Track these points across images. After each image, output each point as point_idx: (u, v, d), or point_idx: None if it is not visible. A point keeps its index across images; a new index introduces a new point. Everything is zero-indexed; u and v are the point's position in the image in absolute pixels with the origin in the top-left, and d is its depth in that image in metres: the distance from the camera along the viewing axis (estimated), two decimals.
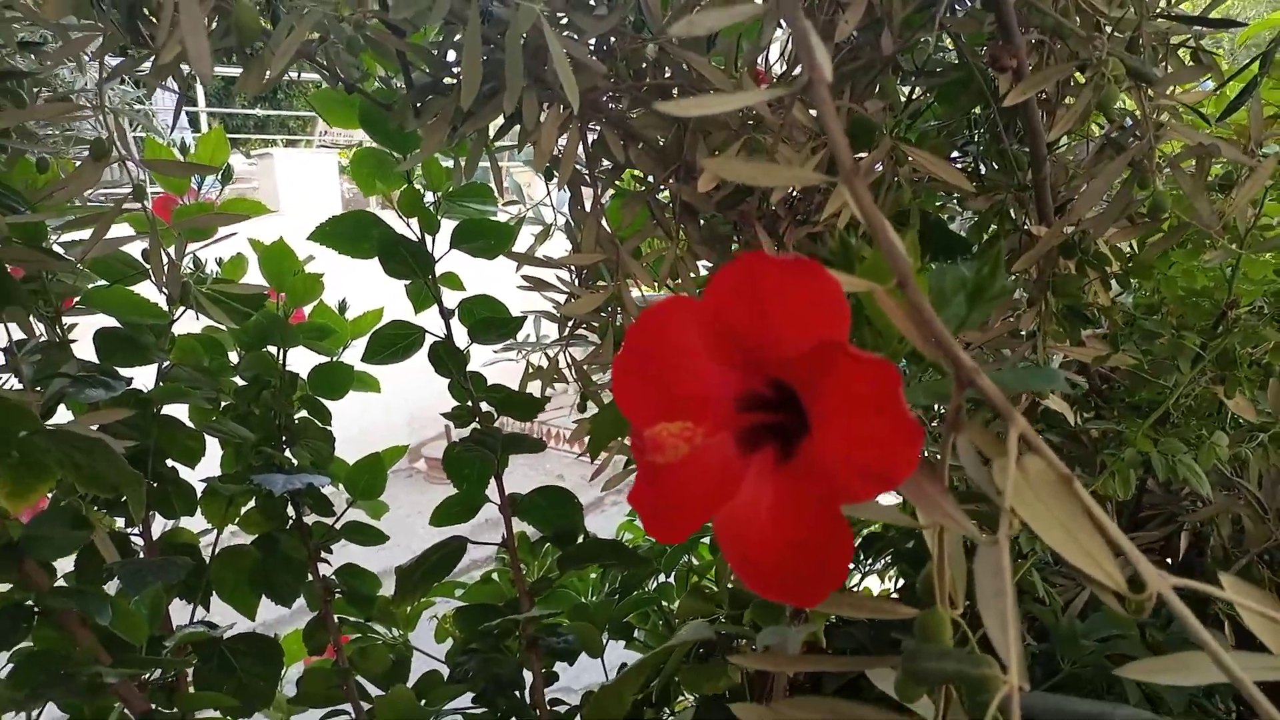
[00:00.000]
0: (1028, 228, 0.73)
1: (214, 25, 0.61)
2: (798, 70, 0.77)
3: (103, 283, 0.85)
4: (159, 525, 0.93)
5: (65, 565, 0.83)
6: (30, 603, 0.60)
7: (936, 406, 0.91)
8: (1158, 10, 0.65)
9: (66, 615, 0.61)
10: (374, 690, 0.91)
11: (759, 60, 0.78)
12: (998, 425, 0.33)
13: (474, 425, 0.86)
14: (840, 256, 0.35)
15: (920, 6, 0.63)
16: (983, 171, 0.80)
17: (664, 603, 1.20)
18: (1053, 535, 0.27)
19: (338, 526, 0.93)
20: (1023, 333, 0.76)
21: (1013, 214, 0.75)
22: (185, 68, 0.73)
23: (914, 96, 0.83)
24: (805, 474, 0.29)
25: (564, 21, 0.72)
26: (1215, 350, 0.69)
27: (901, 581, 1.13)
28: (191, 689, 0.81)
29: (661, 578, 1.21)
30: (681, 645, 0.55)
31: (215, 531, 0.93)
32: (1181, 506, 0.95)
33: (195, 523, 0.95)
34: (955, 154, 0.88)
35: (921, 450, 0.27)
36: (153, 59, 0.59)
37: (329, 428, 0.97)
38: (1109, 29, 0.64)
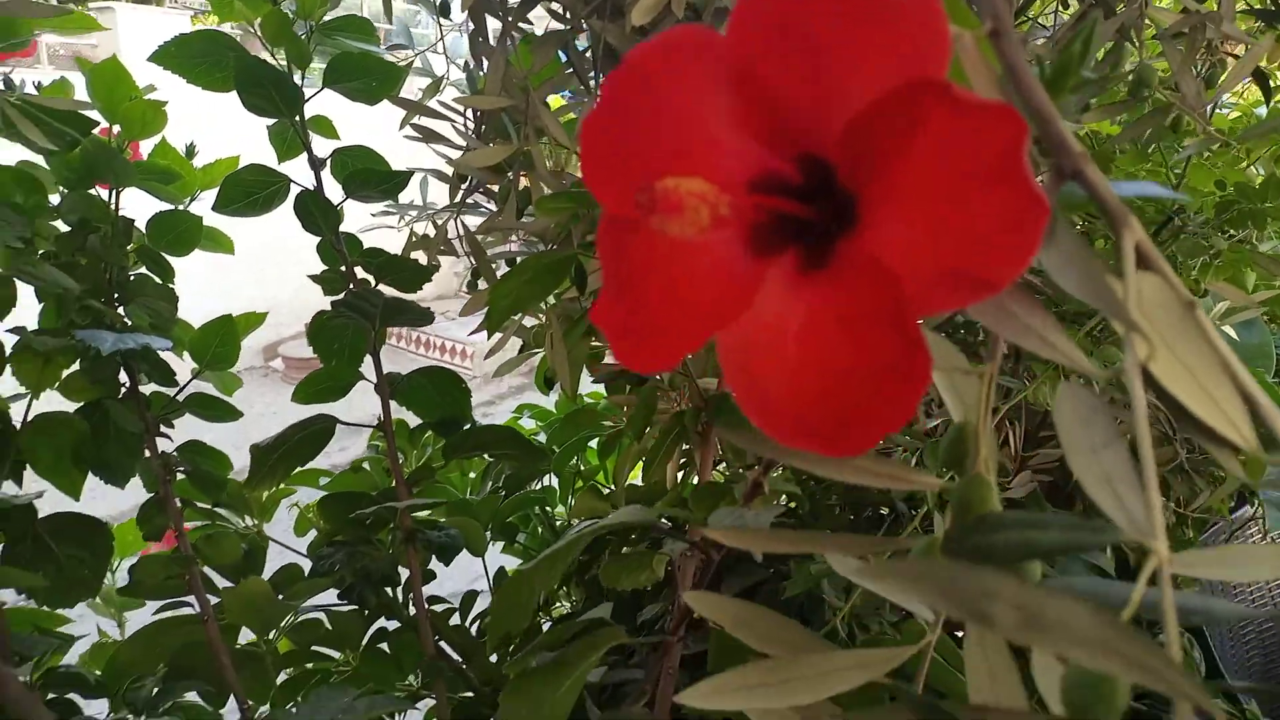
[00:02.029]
0: None
1: None
2: None
3: None
4: None
5: None
6: None
7: None
8: None
9: None
10: (222, 583, 0.80)
11: None
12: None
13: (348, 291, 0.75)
14: None
15: None
16: None
17: (548, 507, 1.13)
18: (1168, 372, 0.21)
19: (181, 398, 0.80)
20: None
21: None
22: None
23: None
24: (852, 282, 0.21)
25: None
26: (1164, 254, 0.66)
27: None
28: None
29: (547, 480, 1.14)
30: (615, 529, 0.48)
31: (29, 396, 0.79)
32: None
33: (4, 386, 0.80)
34: None
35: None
36: None
37: (171, 286, 0.83)
38: None
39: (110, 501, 0.92)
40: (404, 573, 0.77)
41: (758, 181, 0.23)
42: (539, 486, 1.14)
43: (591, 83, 0.73)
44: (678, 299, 0.23)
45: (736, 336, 0.22)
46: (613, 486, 0.89)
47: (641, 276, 0.23)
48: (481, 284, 0.84)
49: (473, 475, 1.12)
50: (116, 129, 0.85)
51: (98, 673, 0.79)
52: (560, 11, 0.72)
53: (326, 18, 0.83)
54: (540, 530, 1.12)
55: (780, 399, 0.21)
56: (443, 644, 0.76)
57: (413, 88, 1.02)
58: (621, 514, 0.43)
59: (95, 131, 0.82)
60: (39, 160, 0.82)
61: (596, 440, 1.10)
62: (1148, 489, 0.18)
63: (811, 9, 0.20)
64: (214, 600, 0.76)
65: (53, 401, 0.76)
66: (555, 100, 0.86)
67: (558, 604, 1.08)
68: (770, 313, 0.22)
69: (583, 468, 1.16)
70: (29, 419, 0.75)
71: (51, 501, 0.75)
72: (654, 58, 0.22)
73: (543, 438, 1.20)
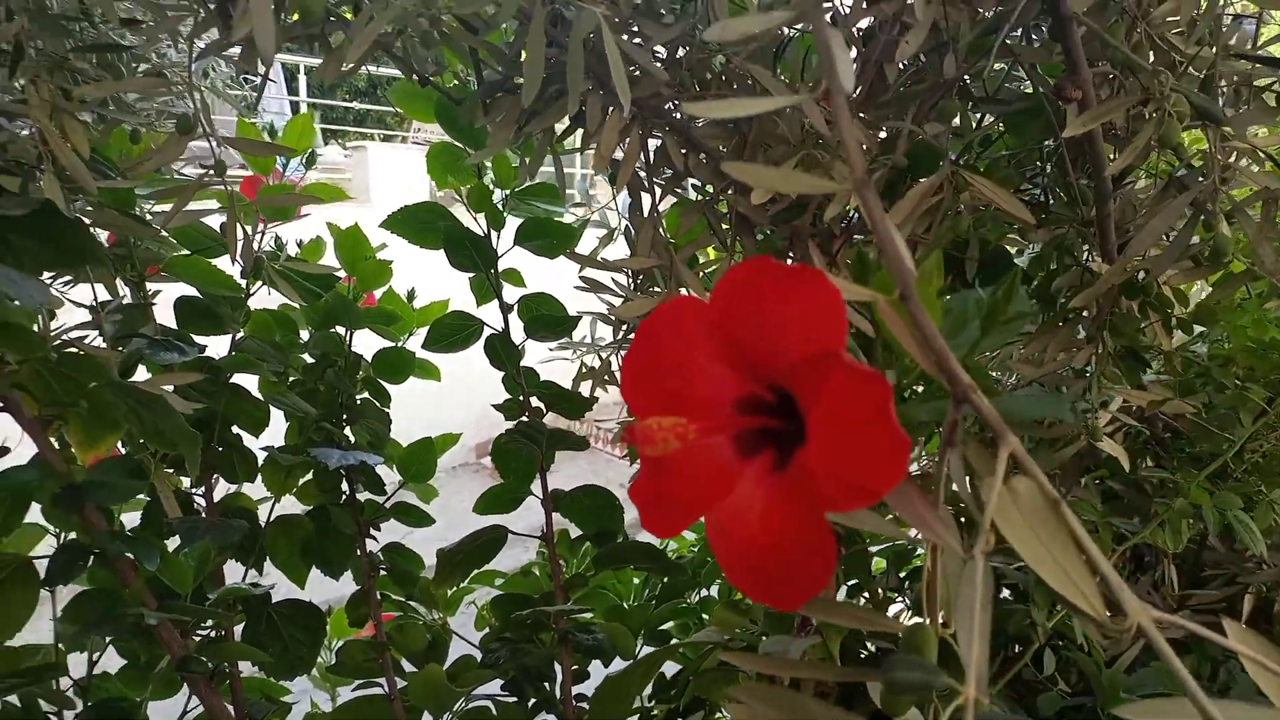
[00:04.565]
0: (1089, 264, 0.72)
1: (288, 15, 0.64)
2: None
3: (186, 252, 0.90)
4: (222, 489, 0.97)
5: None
6: (89, 544, 0.64)
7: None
8: (1236, 50, 0.64)
9: (120, 559, 0.65)
10: (409, 668, 0.94)
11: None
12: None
13: (522, 419, 0.88)
14: (856, 269, 0.36)
15: (985, 32, 0.62)
16: (1048, 203, 0.79)
17: (704, 615, 1.20)
18: (1034, 556, 0.27)
19: (388, 505, 0.96)
20: (1085, 369, 0.74)
21: (1073, 250, 0.74)
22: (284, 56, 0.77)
23: (983, 123, 0.82)
24: (796, 482, 0.29)
25: (633, 28, 0.74)
26: None
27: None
28: None
29: (705, 591, 1.22)
30: (714, 649, 0.56)
31: (273, 500, 0.97)
32: (1245, 567, 0.92)
33: (256, 490, 0.99)
34: (1025, 185, 0.87)
35: (909, 465, 0.27)
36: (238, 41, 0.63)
37: (387, 410, 1.00)
38: (1183, 65, 0.62)
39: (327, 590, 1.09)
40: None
41: (743, 401, 0.32)
42: (701, 596, 1.22)
43: (728, 242, 0.84)
44: (685, 484, 0.32)
45: (720, 513, 0.31)
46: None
47: (663, 466, 0.33)
48: None
49: (636, 582, 1.22)
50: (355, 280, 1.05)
51: None
52: (702, 185, 0.83)
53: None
54: None
55: (744, 562, 0.30)
56: None
57: (590, 238, 1.17)
58: (700, 634, 0.51)
59: (341, 279, 1.02)
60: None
61: None
62: (977, 647, 0.25)
63: (759, 295, 0.29)
64: (401, 683, 0.89)
65: (287, 505, 0.94)
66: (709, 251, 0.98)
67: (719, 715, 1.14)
68: (744, 497, 0.31)
69: None
70: (271, 519, 0.93)
71: (282, 590, 0.92)
72: (666, 318, 0.32)
73: None
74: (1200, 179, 0.59)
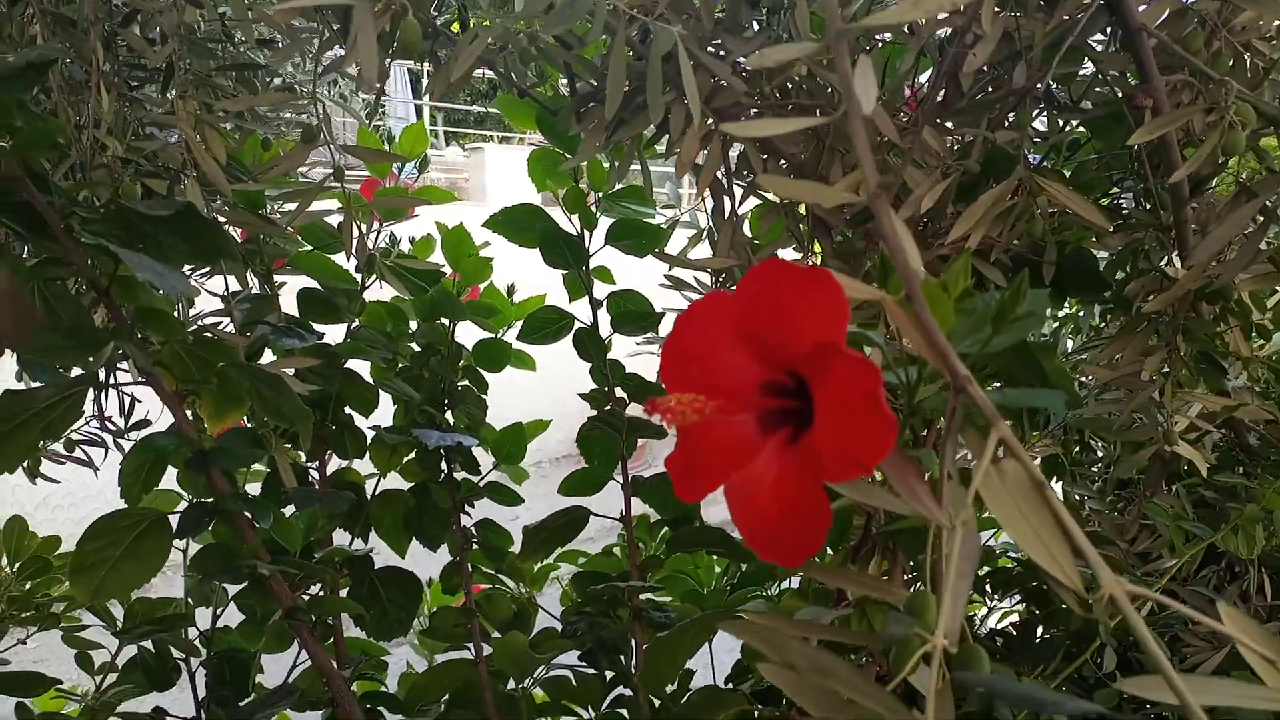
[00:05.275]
0: (1166, 268, 0.72)
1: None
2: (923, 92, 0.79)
3: (309, 248, 0.99)
4: (334, 464, 1.06)
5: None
6: (213, 503, 0.72)
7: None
8: None
9: (239, 517, 0.73)
10: (496, 636, 1.00)
11: (909, 82, 0.81)
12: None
13: (606, 408, 0.93)
14: (880, 271, 0.39)
15: (1054, 43, 0.64)
16: (1132, 208, 0.79)
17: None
18: (1018, 532, 0.30)
19: (481, 484, 1.03)
20: (1163, 373, 0.74)
21: (1149, 254, 0.74)
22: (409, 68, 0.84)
23: (1066, 127, 0.82)
24: (804, 455, 0.33)
25: (717, 40, 0.78)
26: None
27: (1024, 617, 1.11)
28: None
29: (786, 583, 1.25)
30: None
31: (379, 475, 1.05)
32: None
33: (365, 466, 1.08)
34: (1114, 189, 0.87)
35: (897, 443, 0.31)
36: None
37: (484, 396, 1.07)
38: (1264, 72, 0.62)
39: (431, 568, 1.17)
40: None
41: (766, 385, 0.36)
42: (781, 588, 1.25)
43: (806, 243, 0.87)
44: (712, 454, 0.36)
45: (739, 480, 0.35)
46: None
47: (695, 439, 0.37)
48: None
49: (718, 570, 1.26)
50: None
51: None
52: None
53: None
54: None
55: (758, 524, 0.34)
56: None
57: (681, 236, 1.22)
58: (748, 607, 0.55)
59: (446, 274, 1.10)
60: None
61: None
62: (948, 604, 0.29)
63: (775, 293, 0.33)
64: (486, 650, 0.96)
65: (392, 480, 1.02)
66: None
67: None
68: (761, 467, 0.35)
69: None
70: (376, 492, 1.01)
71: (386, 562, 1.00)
72: (699, 311, 0.36)
73: None
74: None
